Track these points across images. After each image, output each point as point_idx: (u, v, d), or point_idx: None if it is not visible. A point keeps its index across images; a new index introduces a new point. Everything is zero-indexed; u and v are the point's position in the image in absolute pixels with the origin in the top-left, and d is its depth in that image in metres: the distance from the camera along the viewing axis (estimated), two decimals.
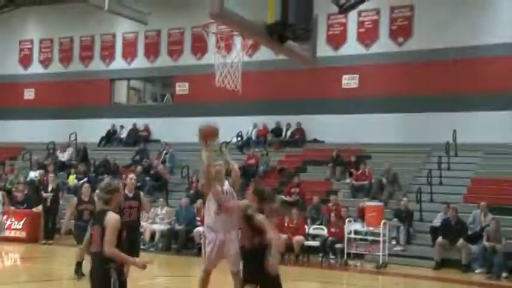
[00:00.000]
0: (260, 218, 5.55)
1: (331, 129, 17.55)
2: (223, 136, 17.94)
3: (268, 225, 5.54)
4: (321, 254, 12.68)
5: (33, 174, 17.56)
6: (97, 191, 5.16)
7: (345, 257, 12.41)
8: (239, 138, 18.82)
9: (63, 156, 19.34)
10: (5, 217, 12.42)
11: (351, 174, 15.38)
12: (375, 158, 16.22)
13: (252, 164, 17.02)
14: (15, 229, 14.84)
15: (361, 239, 12.58)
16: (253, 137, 18.86)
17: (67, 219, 9.93)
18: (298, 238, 12.70)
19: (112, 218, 4.54)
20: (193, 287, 7.46)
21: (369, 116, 17.11)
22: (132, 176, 8.98)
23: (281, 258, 5.77)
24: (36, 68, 23.19)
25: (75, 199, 10.04)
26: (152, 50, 21.18)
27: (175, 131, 19.45)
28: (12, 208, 15.17)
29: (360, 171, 15.04)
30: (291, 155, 17.77)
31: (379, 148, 16.47)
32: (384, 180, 14.45)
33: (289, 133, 18.47)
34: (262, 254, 5.42)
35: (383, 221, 12.30)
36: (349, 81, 17.91)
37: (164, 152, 18.45)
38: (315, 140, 18.15)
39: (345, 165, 15.93)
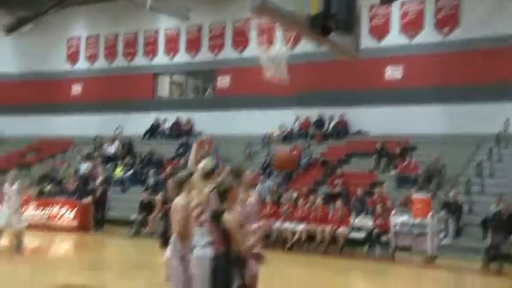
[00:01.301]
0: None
1: (375, 120, 17.30)
2: (265, 129, 18.34)
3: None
4: (366, 246, 12.58)
5: (83, 167, 18.12)
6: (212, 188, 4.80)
7: (392, 250, 12.24)
8: (281, 131, 18.81)
9: (111, 150, 19.82)
10: (22, 208, 11.57)
11: (396, 166, 15.12)
12: (420, 150, 15.87)
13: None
14: (68, 219, 15.48)
15: (408, 232, 12.33)
16: (296, 130, 18.83)
17: (153, 219, 9.07)
18: (343, 230, 12.60)
19: (231, 221, 4.39)
20: None
21: (414, 107, 16.74)
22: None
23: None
24: (82, 64, 23.81)
25: (158, 197, 8.91)
26: (194, 45, 21.40)
27: (217, 124, 19.59)
28: (64, 199, 15.96)
29: (406, 163, 14.77)
30: (334, 148, 17.59)
31: (425, 139, 16.09)
32: (431, 171, 14.16)
33: (331, 125, 18.34)
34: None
35: (431, 213, 12.05)
36: (393, 72, 17.61)
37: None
38: (359, 132, 17.94)
39: (390, 157, 15.66)
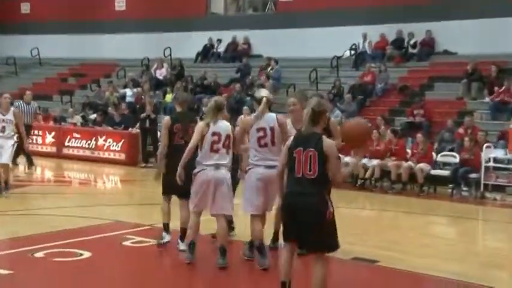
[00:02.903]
0: None
1: (466, 37, 16.50)
2: (334, 50, 17.70)
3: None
4: (450, 185, 12.26)
5: (129, 93, 18.20)
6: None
7: (481, 189, 11.93)
8: (352, 52, 18.32)
9: (160, 74, 19.76)
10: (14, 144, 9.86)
11: (490, 92, 14.56)
12: None
13: (368, 82, 16.66)
14: (114, 151, 15.68)
15: (502, 168, 11.96)
16: (369, 51, 18.36)
17: None
18: (423, 166, 12.30)
19: (333, 146, 4.51)
20: None
21: None
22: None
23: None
24: None
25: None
26: None
27: (279, 44, 19.19)
28: (110, 129, 16.09)
29: (503, 88, 14.14)
30: (415, 71, 17.14)
31: None
32: None
33: (412, 43, 17.70)
34: None
35: None
36: None
37: (270, 67, 18.27)
38: (445, 52, 17.31)
39: (483, 80, 15.11)
